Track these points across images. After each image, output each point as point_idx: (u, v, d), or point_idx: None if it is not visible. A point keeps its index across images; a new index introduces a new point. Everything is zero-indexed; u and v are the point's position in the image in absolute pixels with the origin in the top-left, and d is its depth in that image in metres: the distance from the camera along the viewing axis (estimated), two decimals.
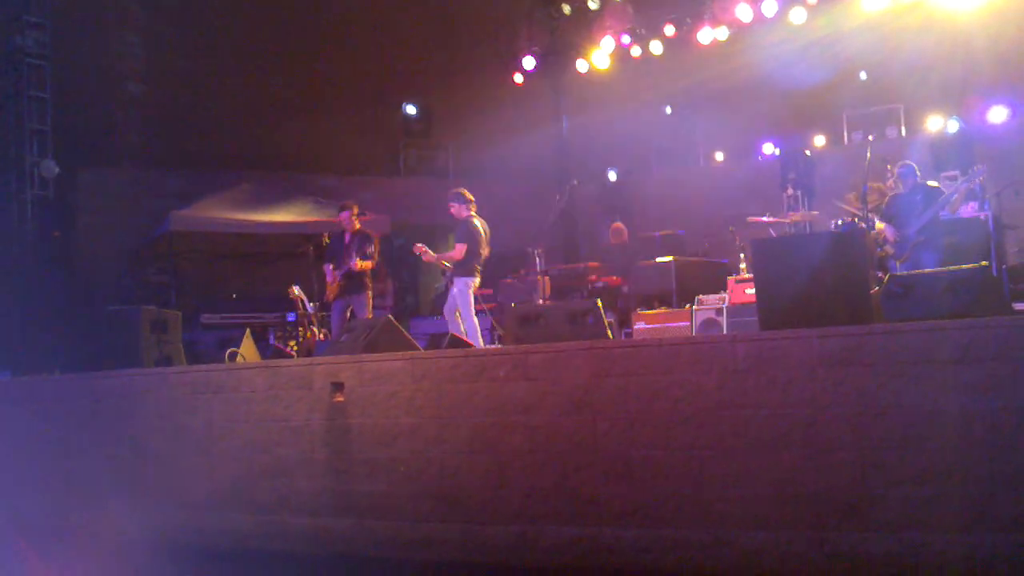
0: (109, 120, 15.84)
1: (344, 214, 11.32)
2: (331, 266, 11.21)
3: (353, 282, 11.07)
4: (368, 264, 11.09)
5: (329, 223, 14.28)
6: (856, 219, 10.55)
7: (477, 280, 10.68)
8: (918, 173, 10.32)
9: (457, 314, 10.54)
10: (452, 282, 10.68)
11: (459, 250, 10.60)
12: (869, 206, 10.50)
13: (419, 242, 10.88)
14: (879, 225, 10.24)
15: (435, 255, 10.83)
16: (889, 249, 10.12)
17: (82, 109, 15.62)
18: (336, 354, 8.43)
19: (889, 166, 10.93)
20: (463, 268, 10.59)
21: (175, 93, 16.28)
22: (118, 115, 15.87)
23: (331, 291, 11.18)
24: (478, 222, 10.74)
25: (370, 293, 11.18)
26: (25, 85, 14.78)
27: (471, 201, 10.83)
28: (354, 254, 11.00)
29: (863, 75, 15.17)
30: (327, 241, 11.96)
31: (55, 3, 15.16)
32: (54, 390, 9.92)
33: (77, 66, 15.60)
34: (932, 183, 10.43)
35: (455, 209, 10.82)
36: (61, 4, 15.27)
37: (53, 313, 13.35)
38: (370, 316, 10.91)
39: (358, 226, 11.32)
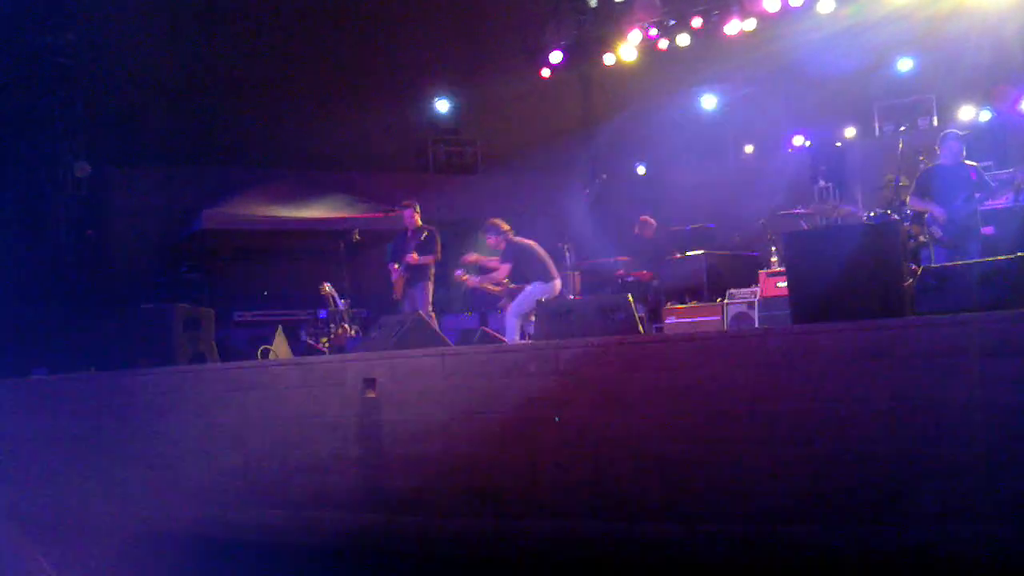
0: (141, 119, 15.95)
1: (407, 212, 11.52)
2: (396, 265, 11.33)
3: (413, 275, 11.22)
4: (429, 259, 11.25)
5: (360, 219, 14.36)
6: (889, 211, 10.43)
7: (557, 284, 10.87)
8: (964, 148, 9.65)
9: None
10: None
11: (503, 270, 10.85)
12: (902, 198, 10.39)
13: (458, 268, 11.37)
14: (907, 198, 9.67)
15: (478, 279, 11.10)
16: (937, 231, 9.42)
17: (114, 108, 15.74)
18: (368, 351, 8.47)
19: (921, 157, 10.80)
20: (539, 275, 10.77)
21: (206, 91, 16.36)
22: (149, 114, 15.97)
23: (397, 289, 11.32)
24: (520, 241, 10.97)
25: (430, 285, 11.33)
26: (57, 85, 14.93)
27: (506, 230, 11.05)
28: (413, 249, 11.16)
29: (902, 63, 14.95)
30: (357, 238, 12.04)
31: (85, 2, 15.30)
32: (89, 387, 10.02)
33: (108, 65, 15.71)
34: (971, 162, 9.80)
35: (492, 240, 11.03)
36: (91, 3, 15.40)
37: (88, 312, 13.51)
38: (429, 308, 11.07)
39: (419, 223, 11.45)
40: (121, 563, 8.08)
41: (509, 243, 10.95)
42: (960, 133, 9.79)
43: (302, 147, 17.08)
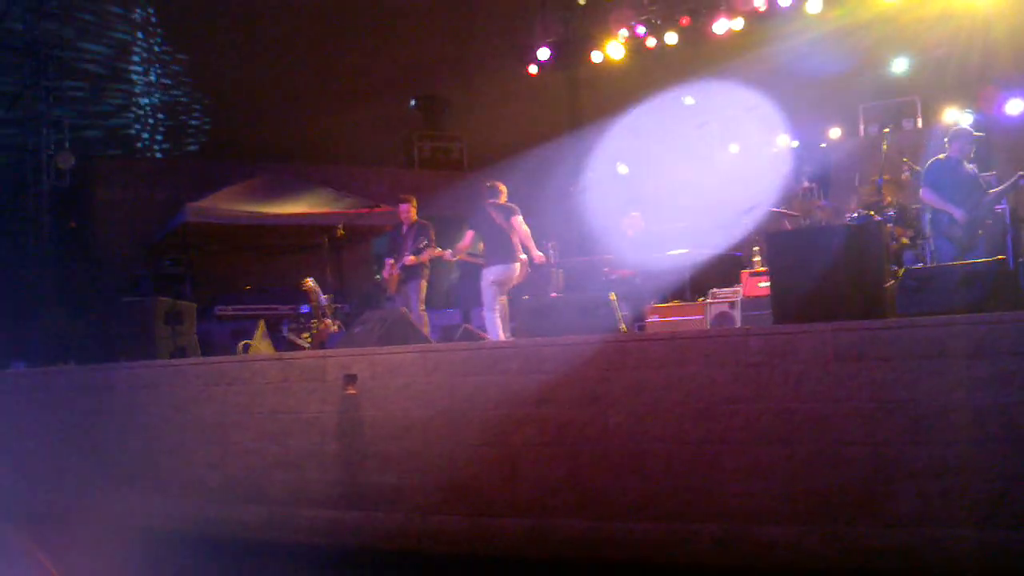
0: (126, 112, 15.89)
1: (403, 207, 11.31)
2: (391, 260, 11.18)
3: (409, 272, 11.06)
4: (424, 257, 10.95)
5: (343, 215, 14.30)
6: (872, 212, 10.41)
7: (515, 266, 10.38)
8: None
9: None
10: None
11: (466, 237, 10.67)
12: (885, 199, 10.38)
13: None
14: (891, 198, 9.44)
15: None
16: (956, 231, 8.93)
17: (99, 100, 15.68)
18: (349, 347, 8.44)
19: (905, 159, 10.77)
20: (495, 256, 10.44)
21: (191, 86, 16.32)
22: (134, 107, 15.91)
23: (392, 284, 11.18)
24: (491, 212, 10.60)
25: (424, 283, 11.09)
26: (42, 76, 14.85)
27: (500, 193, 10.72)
28: (410, 246, 10.99)
29: (894, 63, 14.92)
30: (341, 233, 11.96)
31: None
32: (68, 381, 9.96)
33: (94, 57, 15.64)
34: (969, 165, 9.44)
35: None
36: None
37: (68, 304, 13.43)
38: (422, 307, 10.91)
39: (416, 218, 11.29)
40: (90, 558, 8.02)
41: (481, 209, 10.54)
42: (974, 133, 9.46)
43: (287, 141, 17.04)
